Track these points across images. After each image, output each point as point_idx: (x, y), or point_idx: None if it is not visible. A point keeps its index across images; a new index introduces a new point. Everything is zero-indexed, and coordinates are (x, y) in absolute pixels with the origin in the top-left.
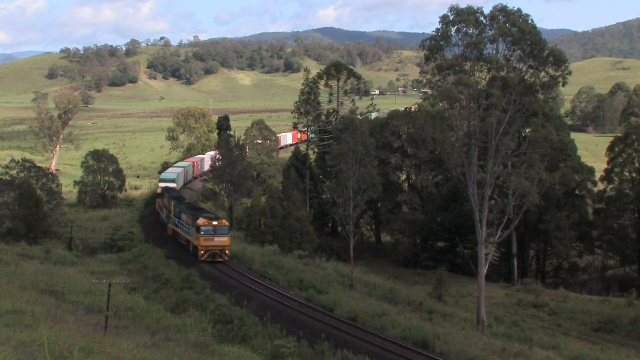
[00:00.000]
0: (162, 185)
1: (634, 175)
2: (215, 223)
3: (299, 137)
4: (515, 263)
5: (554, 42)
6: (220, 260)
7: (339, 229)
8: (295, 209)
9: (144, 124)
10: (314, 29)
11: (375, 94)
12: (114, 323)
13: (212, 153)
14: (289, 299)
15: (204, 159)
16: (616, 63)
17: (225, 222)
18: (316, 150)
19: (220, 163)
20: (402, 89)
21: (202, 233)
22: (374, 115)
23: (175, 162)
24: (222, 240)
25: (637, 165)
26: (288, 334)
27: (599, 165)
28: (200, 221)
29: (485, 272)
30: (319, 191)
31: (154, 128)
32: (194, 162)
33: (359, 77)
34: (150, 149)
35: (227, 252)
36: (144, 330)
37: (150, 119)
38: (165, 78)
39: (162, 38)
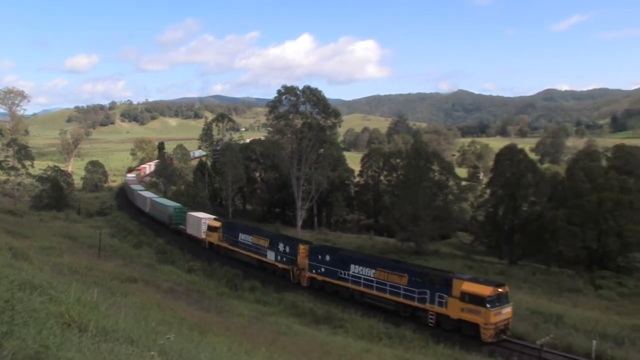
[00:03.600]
0: (205, 219)
1: (372, 173)
2: (500, 290)
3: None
4: (315, 219)
5: (335, 105)
6: (504, 337)
7: (224, 202)
8: (200, 192)
9: (118, 147)
10: (210, 95)
11: (242, 130)
12: (102, 254)
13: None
14: (196, 242)
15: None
16: (364, 117)
17: (506, 286)
18: (211, 159)
19: (159, 167)
20: (257, 127)
21: (489, 306)
22: (241, 142)
23: (134, 167)
24: (507, 311)
25: (374, 168)
26: (196, 259)
27: (357, 168)
28: (480, 288)
29: (300, 224)
30: (213, 182)
31: (123, 149)
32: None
33: (233, 121)
34: (121, 160)
35: (509, 324)
36: (119, 257)
37: (122, 144)
38: (129, 122)
39: (128, 100)
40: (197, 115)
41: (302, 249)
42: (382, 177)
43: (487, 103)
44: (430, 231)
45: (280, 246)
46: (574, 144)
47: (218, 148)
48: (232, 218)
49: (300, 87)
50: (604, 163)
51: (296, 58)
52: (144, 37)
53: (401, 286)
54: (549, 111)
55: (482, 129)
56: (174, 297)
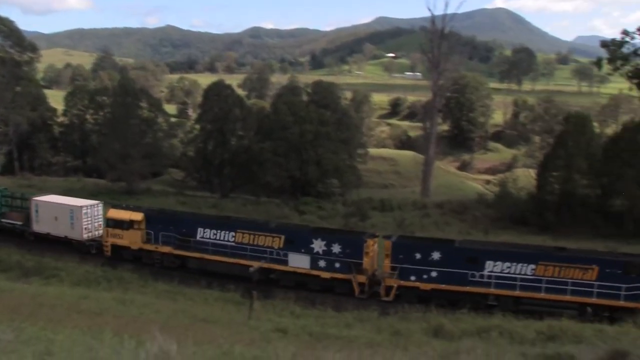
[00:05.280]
0: (88, 207)
1: (78, 112)
2: None
3: None
4: (16, 164)
5: (31, 38)
6: None
7: None
8: None
9: None
10: None
11: None
12: None
13: None
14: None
15: None
16: (65, 52)
17: None
18: None
19: None
20: None
21: None
22: None
23: None
24: None
25: (79, 106)
26: None
27: (60, 107)
28: None
29: None
30: None
31: None
32: None
33: None
34: None
35: None
36: None
37: None
38: None
39: None
40: None
41: (373, 244)
42: (88, 116)
43: (195, 39)
44: (141, 169)
45: (318, 244)
46: (278, 80)
47: None
48: None
49: None
50: (304, 98)
51: None
52: None
53: (593, 283)
54: (255, 48)
55: (190, 66)
56: None
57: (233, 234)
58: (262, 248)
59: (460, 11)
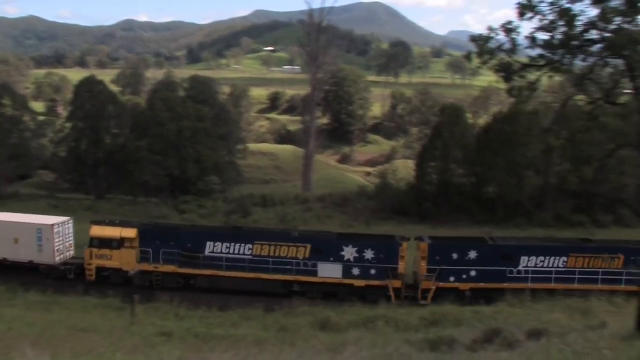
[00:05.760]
0: (60, 226)
1: None
2: None
3: None
4: None
5: None
6: None
7: None
8: None
9: None
10: None
11: None
12: None
13: None
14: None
15: None
16: None
17: None
18: None
19: None
20: None
21: None
22: None
23: None
24: None
25: None
26: None
27: None
28: None
29: None
30: None
31: None
32: None
33: None
34: None
35: None
36: None
37: None
38: None
39: None
40: None
41: (406, 247)
42: None
43: (63, 32)
44: (7, 172)
45: (349, 252)
46: (154, 75)
47: None
48: None
49: None
50: (181, 93)
51: None
52: None
53: (621, 271)
54: (128, 42)
55: (58, 60)
56: None
57: (250, 246)
58: (286, 260)
59: (337, 5)
